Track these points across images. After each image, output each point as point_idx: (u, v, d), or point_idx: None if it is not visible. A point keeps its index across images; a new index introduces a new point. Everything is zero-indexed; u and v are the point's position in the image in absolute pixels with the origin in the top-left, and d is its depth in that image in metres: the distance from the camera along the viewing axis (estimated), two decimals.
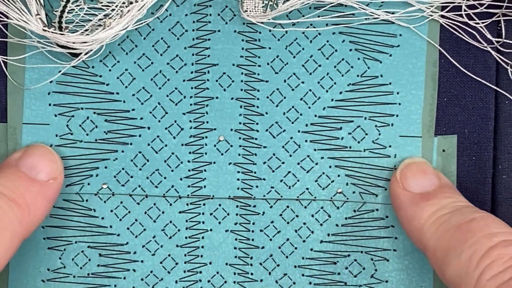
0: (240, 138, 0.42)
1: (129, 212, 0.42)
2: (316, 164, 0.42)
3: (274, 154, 0.42)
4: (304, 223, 0.42)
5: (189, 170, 0.42)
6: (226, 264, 0.42)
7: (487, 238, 0.35)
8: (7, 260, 0.37)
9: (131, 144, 0.42)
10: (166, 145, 0.42)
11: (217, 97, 0.42)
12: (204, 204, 0.42)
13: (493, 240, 0.35)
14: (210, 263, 0.42)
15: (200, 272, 0.42)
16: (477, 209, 0.38)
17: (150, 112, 0.42)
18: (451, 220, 0.37)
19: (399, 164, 0.41)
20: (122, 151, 0.42)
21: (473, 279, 0.34)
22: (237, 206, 0.42)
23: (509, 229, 0.36)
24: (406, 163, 0.41)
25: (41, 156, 0.40)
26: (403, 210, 0.39)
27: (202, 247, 0.42)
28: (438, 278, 0.42)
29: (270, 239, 0.42)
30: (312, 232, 0.42)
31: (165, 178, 0.42)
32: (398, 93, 0.42)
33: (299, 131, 0.42)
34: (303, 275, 0.42)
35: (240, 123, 0.42)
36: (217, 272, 0.42)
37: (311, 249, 0.42)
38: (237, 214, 0.42)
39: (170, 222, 0.42)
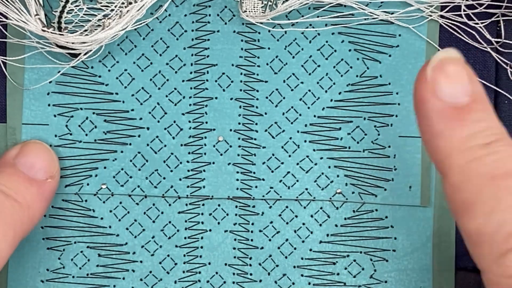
0: (239, 139, 0.42)
1: (128, 212, 0.42)
2: (316, 164, 0.42)
3: (273, 155, 0.42)
4: (303, 224, 0.42)
5: (188, 171, 0.42)
6: (225, 264, 0.42)
7: None
8: (7, 258, 0.37)
9: (130, 144, 0.42)
10: (165, 146, 0.42)
11: (216, 98, 0.42)
12: (203, 205, 0.42)
13: None
14: (209, 263, 0.42)
15: (199, 273, 0.42)
16: (509, 141, 0.33)
17: (150, 113, 0.42)
18: (485, 162, 0.32)
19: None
20: (121, 152, 0.42)
21: (498, 249, 0.31)
22: (236, 207, 0.42)
23: None
24: (439, 58, 0.33)
25: (39, 154, 0.40)
26: (428, 122, 0.33)
27: (201, 247, 0.42)
28: (438, 278, 0.42)
29: (269, 240, 0.42)
30: (311, 232, 0.42)
31: (164, 178, 0.42)
32: (397, 93, 0.42)
33: (298, 132, 0.42)
34: (302, 275, 0.42)
35: (239, 123, 0.42)
36: (216, 273, 0.42)
37: (310, 250, 0.42)
38: (236, 215, 0.42)
39: (169, 222, 0.42)
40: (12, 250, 0.37)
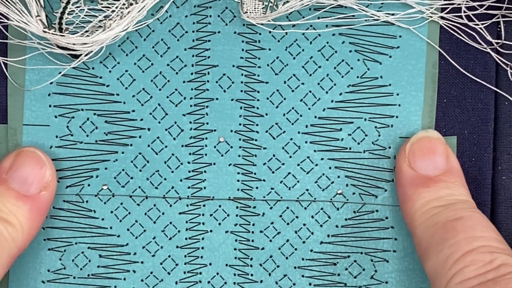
0: (240, 139, 0.42)
1: (129, 213, 0.42)
2: (316, 165, 0.42)
3: (274, 155, 0.42)
4: (304, 224, 0.42)
5: (189, 171, 0.42)
6: (226, 265, 0.42)
7: (467, 241, 0.35)
8: (1, 277, 0.37)
9: (131, 145, 0.42)
10: (166, 146, 0.42)
11: (217, 98, 0.42)
12: (204, 205, 0.42)
13: (472, 244, 0.35)
14: (210, 264, 0.42)
15: (200, 273, 0.42)
16: (471, 205, 0.38)
17: (150, 113, 0.42)
18: (441, 214, 0.37)
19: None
20: (122, 152, 0.42)
21: (445, 280, 0.35)
22: (237, 207, 0.42)
23: (493, 234, 0.36)
24: (418, 137, 0.40)
25: (32, 166, 0.39)
26: (402, 188, 0.39)
27: (202, 248, 0.42)
28: None
29: (270, 240, 0.42)
30: (312, 233, 0.42)
31: (165, 179, 0.42)
32: (398, 94, 0.42)
33: (299, 132, 0.42)
34: (303, 276, 0.42)
35: (240, 124, 0.42)
36: (217, 273, 0.42)
37: (311, 250, 0.42)
38: (237, 215, 0.42)
39: (170, 223, 0.42)
40: (6, 270, 0.37)
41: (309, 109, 0.42)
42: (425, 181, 0.39)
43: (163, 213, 0.42)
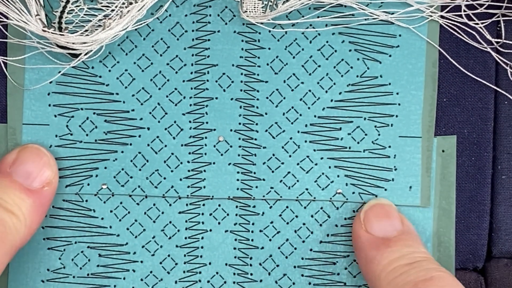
0: (239, 139, 0.42)
1: (128, 212, 0.42)
2: (316, 164, 0.42)
3: (273, 155, 0.42)
4: (304, 224, 0.42)
5: (188, 171, 0.42)
6: (226, 264, 0.42)
7: None
8: (4, 267, 0.37)
9: (130, 144, 0.42)
10: (165, 146, 0.42)
11: (216, 98, 0.42)
12: (203, 205, 0.42)
13: None
14: (210, 263, 0.42)
15: (200, 273, 0.42)
16: (436, 264, 0.38)
17: (150, 113, 0.42)
18: (410, 273, 0.37)
19: (365, 204, 0.41)
20: (122, 152, 0.42)
21: None
22: (236, 207, 0.42)
23: None
24: (371, 204, 0.41)
25: (35, 162, 0.39)
26: (363, 252, 0.39)
27: (202, 247, 0.42)
28: None
29: (270, 240, 0.42)
30: (312, 232, 0.42)
31: (164, 178, 0.42)
32: (397, 93, 0.42)
33: (298, 132, 0.42)
34: (302, 275, 0.42)
35: (239, 123, 0.42)
36: (217, 273, 0.42)
37: (311, 250, 0.42)
38: (236, 215, 0.42)
39: (170, 222, 0.42)
40: (8, 260, 0.37)
41: (309, 108, 0.42)
42: (385, 242, 0.39)
43: (162, 213, 0.42)
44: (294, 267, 0.42)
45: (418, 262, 0.37)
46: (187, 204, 0.42)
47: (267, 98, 0.42)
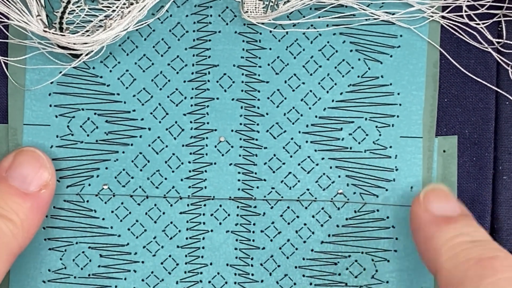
0: (240, 139, 0.42)
1: (129, 213, 0.42)
2: (317, 164, 0.42)
3: (274, 155, 0.42)
4: (305, 224, 0.42)
5: (189, 171, 0.42)
6: (227, 264, 0.42)
7: (507, 282, 0.34)
8: (3, 275, 0.37)
9: (131, 145, 0.42)
10: (166, 146, 0.42)
11: (217, 98, 0.42)
12: (204, 205, 0.42)
13: None
14: (211, 263, 0.42)
15: (201, 273, 0.42)
16: (499, 246, 0.37)
17: (151, 113, 0.42)
18: (473, 250, 0.36)
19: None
20: (123, 152, 0.42)
21: None
22: (237, 207, 0.42)
23: None
24: (431, 187, 0.41)
25: (31, 165, 0.39)
26: (421, 231, 0.39)
27: (203, 247, 0.42)
28: None
29: (271, 240, 0.42)
30: (313, 232, 0.42)
31: (165, 179, 0.42)
32: (398, 93, 0.42)
33: (299, 132, 0.42)
34: (303, 275, 0.42)
35: (240, 123, 0.42)
36: (218, 273, 0.42)
37: (312, 250, 0.42)
38: (237, 215, 0.42)
39: (171, 223, 0.42)
40: (8, 267, 0.37)
41: (310, 108, 0.42)
42: (446, 220, 0.38)
43: (163, 213, 0.42)
44: (295, 267, 0.42)
45: (480, 241, 0.37)
46: (188, 205, 0.42)
47: (268, 98, 0.42)
